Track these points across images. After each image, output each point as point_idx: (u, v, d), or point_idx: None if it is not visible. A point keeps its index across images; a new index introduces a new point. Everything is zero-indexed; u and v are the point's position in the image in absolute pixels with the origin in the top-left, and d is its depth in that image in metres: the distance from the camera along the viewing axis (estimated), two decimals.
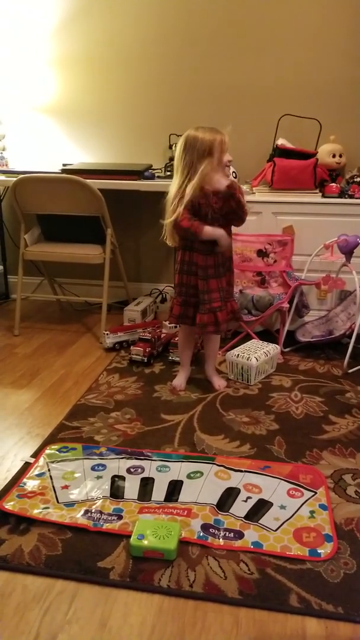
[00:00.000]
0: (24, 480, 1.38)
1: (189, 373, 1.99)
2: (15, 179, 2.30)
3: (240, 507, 1.28)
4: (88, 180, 2.24)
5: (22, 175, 2.30)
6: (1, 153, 2.76)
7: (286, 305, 2.17)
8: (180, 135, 1.72)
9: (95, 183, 2.27)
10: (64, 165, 2.58)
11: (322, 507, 1.28)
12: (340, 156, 2.45)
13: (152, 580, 1.08)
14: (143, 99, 2.69)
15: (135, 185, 2.40)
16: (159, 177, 2.54)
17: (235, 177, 2.32)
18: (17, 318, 2.48)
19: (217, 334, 1.90)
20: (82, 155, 2.83)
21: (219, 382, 1.95)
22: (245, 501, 1.30)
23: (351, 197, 2.26)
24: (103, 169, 2.51)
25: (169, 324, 2.36)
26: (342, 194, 2.29)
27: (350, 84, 2.48)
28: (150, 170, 2.51)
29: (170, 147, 2.62)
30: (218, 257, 1.76)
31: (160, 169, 2.63)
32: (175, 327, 2.30)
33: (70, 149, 2.82)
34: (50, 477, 1.39)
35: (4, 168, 2.72)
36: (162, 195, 1.76)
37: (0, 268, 3.03)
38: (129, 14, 2.58)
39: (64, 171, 2.43)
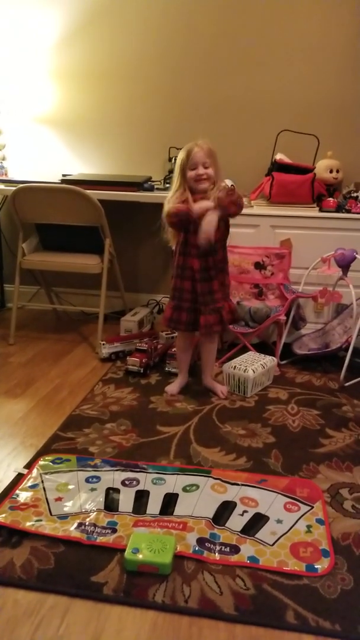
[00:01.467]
0: (17, 491, 1.36)
1: (186, 381, 1.99)
2: (14, 188, 2.31)
3: (237, 521, 1.26)
4: (88, 191, 2.26)
5: (22, 185, 2.30)
6: (1, 162, 2.77)
7: (283, 317, 2.18)
8: (179, 149, 1.74)
9: (95, 194, 2.28)
10: (64, 175, 2.59)
11: (319, 521, 1.27)
12: (338, 172, 2.48)
13: (147, 595, 1.06)
14: (143, 112, 2.72)
15: (135, 197, 2.41)
16: (158, 189, 2.56)
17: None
18: (13, 327, 2.46)
19: (222, 332, 1.90)
20: (82, 167, 2.85)
21: (221, 389, 1.95)
22: (242, 515, 1.28)
23: (348, 211, 2.28)
24: (103, 180, 2.53)
25: (163, 332, 2.36)
26: (339, 208, 2.31)
27: (348, 101, 2.52)
28: (149, 182, 2.53)
29: (170, 159, 2.64)
30: (209, 261, 1.79)
31: (159, 181, 2.65)
32: (172, 337, 2.30)
33: (70, 160, 2.84)
34: (44, 488, 1.37)
35: (4, 177, 2.73)
36: (161, 207, 1.77)
37: None
38: (130, 27, 2.62)
39: (63, 181, 2.44)
